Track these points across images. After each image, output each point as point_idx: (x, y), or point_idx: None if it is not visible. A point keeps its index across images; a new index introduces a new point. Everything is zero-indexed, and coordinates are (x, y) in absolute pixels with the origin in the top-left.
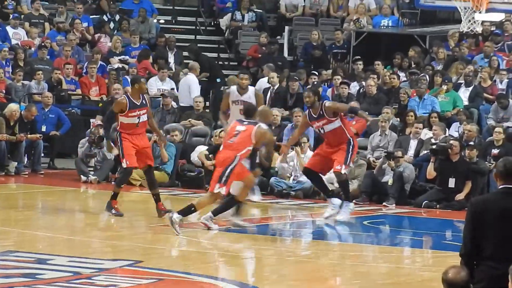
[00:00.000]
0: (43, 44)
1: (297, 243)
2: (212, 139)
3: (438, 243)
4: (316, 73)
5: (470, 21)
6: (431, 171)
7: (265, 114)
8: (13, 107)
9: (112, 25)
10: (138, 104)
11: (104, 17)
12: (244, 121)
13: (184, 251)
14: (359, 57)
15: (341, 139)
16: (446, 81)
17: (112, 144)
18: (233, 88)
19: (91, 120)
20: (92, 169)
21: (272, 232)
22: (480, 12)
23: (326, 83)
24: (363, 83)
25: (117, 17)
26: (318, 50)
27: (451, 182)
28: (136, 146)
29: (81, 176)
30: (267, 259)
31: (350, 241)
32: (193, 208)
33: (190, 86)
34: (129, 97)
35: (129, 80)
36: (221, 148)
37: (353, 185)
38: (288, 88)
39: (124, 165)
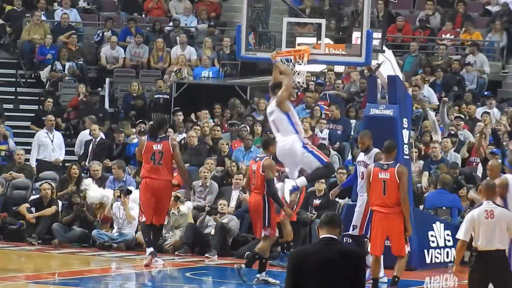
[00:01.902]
0: None
1: None
2: (33, 192)
3: None
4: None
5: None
6: None
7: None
8: None
9: None
10: None
11: None
12: (257, 158)
13: None
14: (179, 108)
15: None
16: (268, 132)
17: None
18: None
19: None
20: None
21: (95, 285)
22: (300, 64)
23: None
24: (184, 134)
25: None
26: (140, 100)
27: None
28: None
29: None
30: None
31: None
32: (257, 256)
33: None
34: None
35: None
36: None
37: (175, 236)
38: (114, 139)
39: None
